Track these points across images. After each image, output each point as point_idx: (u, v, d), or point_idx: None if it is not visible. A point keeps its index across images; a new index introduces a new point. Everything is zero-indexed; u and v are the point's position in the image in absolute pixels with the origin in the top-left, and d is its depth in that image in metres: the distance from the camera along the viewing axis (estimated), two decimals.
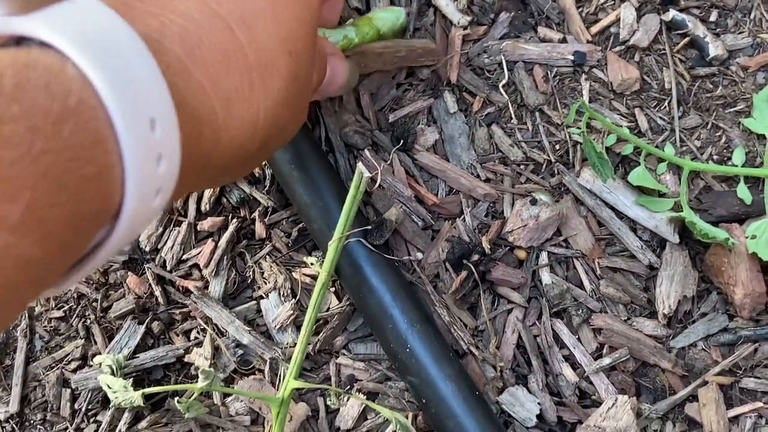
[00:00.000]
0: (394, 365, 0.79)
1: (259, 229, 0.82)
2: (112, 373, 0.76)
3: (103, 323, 0.81)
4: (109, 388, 0.75)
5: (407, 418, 0.77)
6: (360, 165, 0.76)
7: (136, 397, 0.74)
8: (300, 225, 0.83)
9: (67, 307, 0.81)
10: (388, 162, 0.83)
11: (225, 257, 0.82)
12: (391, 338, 0.76)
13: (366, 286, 0.77)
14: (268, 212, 0.83)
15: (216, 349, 0.80)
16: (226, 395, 0.79)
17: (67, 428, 0.79)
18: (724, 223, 0.80)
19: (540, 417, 0.78)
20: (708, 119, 0.85)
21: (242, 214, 0.83)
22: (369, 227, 0.78)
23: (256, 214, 0.83)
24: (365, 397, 0.78)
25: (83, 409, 0.79)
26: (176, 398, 0.75)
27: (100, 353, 0.80)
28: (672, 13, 0.86)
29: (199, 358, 0.79)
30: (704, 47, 0.85)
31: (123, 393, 0.75)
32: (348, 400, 0.78)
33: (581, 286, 0.82)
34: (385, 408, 0.75)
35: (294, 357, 0.76)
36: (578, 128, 0.82)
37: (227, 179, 0.65)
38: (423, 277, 0.81)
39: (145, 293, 0.81)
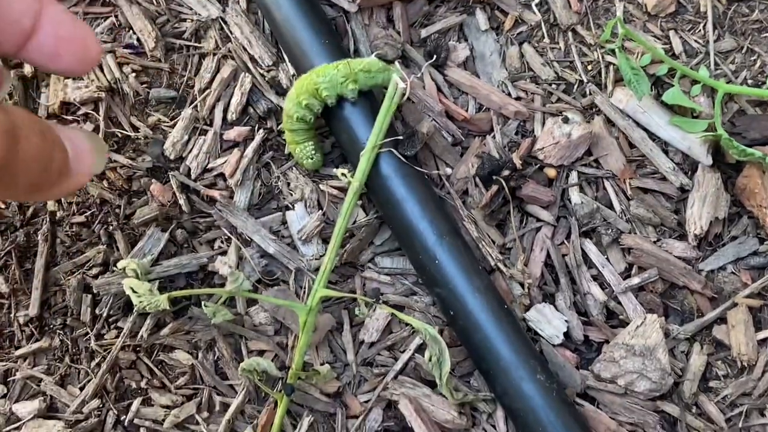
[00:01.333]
0: (422, 278, 0.78)
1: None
2: (137, 278, 0.75)
3: (125, 230, 0.79)
4: (134, 291, 0.74)
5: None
6: (395, 75, 0.75)
7: (162, 300, 0.73)
8: (331, 139, 0.82)
9: (89, 212, 0.80)
10: (419, 76, 0.82)
11: (251, 167, 0.80)
12: (419, 250, 0.75)
13: (395, 197, 0.76)
14: None
15: (240, 259, 0.79)
16: (250, 305, 0.78)
17: (87, 333, 0.78)
18: (758, 146, 0.79)
19: (567, 335, 0.78)
20: (743, 43, 0.84)
21: (269, 125, 0.82)
22: (400, 137, 0.76)
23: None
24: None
25: (104, 315, 0.78)
26: (203, 303, 0.74)
27: (122, 260, 0.78)
28: None
29: (223, 266, 0.78)
30: None
31: (148, 296, 0.74)
32: (375, 310, 0.77)
33: (611, 206, 0.81)
34: (413, 319, 0.74)
35: (323, 265, 0.74)
36: (612, 44, 0.80)
37: None
38: (452, 191, 0.80)
39: (169, 201, 0.79)
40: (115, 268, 0.78)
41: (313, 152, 0.78)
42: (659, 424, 0.75)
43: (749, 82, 0.83)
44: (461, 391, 0.75)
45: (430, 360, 0.72)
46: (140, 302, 0.74)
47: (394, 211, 0.76)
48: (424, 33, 0.84)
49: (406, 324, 0.77)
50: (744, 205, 0.80)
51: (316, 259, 0.79)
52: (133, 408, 0.77)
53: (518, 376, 0.72)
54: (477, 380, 0.77)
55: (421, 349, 0.78)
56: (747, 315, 0.78)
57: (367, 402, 0.77)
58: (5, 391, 0.77)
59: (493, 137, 0.82)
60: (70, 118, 0.81)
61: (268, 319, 0.78)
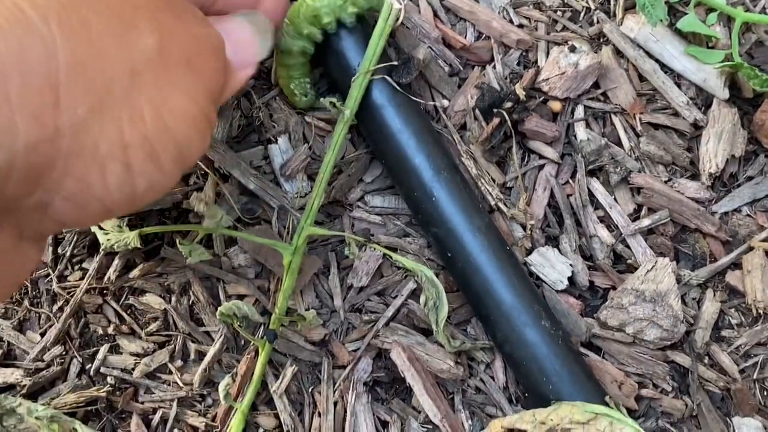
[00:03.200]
0: (417, 217, 0.72)
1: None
2: None
3: None
4: (100, 228, 0.67)
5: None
6: None
7: (132, 237, 0.66)
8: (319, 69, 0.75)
9: None
10: None
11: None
12: (414, 186, 0.69)
13: (388, 129, 0.69)
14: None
15: (218, 195, 0.72)
16: (228, 245, 0.72)
17: (48, 275, 0.71)
18: None
19: (571, 280, 0.72)
20: None
21: None
22: (395, 63, 0.70)
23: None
24: (381, 253, 0.71)
25: (68, 255, 0.71)
26: (178, 242, 0.67)
27: None
28: None
29: (199, 203, 0.71)
30: None
31: (117, 234, 0.67)
32: (366, 251, 0.71)
33: (619, 143, 0.75)
34: (407, 260, 0.68)
35: (310, 202, 0.68)
36: None
37: None
38: (450, 125, 0.73)
39: None
40: None
41: (309, 88, 0.71)
42: (669, 375, 0.70)
43: None
44: (458, 339, 0.70)
45: (425, 305, 0.66)
46: (108, 240, 0.67)
47: (387, 144, 0.70)
48: None
49: (399, 267, 0.71)
50: (761, 143, 0.74)
51: (301, 196, 0.72)
52: (100, 356, 0.70)
53: (521, 321, 0.66)
54: (475, 328, 0.71)
55: (414, 294, 0.72)
56: (763, 259, 0.72)
57: (355, 351, 0.71)
58: None
59: (494, 67, 0.75)
60: None
61: (248, 261, 0.71)
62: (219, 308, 0.67)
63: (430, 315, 0.66)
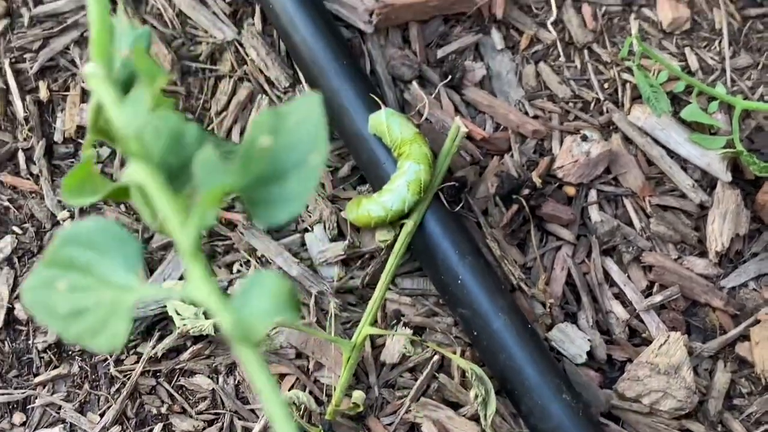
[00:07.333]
0: (444, 298, 0.77)
1: None
2: (182, 300, 0.74)
3: (143, 254, 0.79)
4: (178, 314, 0.74)
5: (455, 353, 0.75)
6: (457, 119, 0.76)
7: (207, 325, 0.73)
8: (350, 162, 0.81)
9: None
10: (433, 96, 0.82)
11: None
12: (441, 270, 0.75)
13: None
14: None
15: None
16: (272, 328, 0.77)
17: (106, 359, 0.77)
18: None
19: (590, 354, 0.77)
20: (759, 59, 0.84)
21: None
22: (454, 183, 0.77)
23: None
24: (411, 332, 0.76)
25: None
26: None
27: (147, 284, 0.77)
28: None
29: None
30: None
31: (193, 320, 0.73)
32: (424, 350, 0.76)
33: (631, 224, 0.80)
34: (460, 359, 0.73)
35: (370, 305, 0.74)
36: (629, 61, 0.80)
37: None
38: (476, 209, 0.79)
39: None
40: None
41: None
42: None
43: (766, 98, 0.83)
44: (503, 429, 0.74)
45: (475, 399, 0.71)
46: (184, 325, 0.73)
47: (415, 230, 0.76)
48: (440, 53, 0.84)
49: (427, 345, 0.76)
50: (764, 222, 0.80)
51: (336, 281, 0.78)
52: None
53: (544, 396, 0.72)
54: (500, 400, 0.76)
55: (442, 369, 0.77)
56: None
57: (390, 425, 0.76)
58: (24, 419, 0.76)
59: (512, 156, 0.81)
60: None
61: (289, 342, 0.77)
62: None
63: (479, 410, 0.72)
